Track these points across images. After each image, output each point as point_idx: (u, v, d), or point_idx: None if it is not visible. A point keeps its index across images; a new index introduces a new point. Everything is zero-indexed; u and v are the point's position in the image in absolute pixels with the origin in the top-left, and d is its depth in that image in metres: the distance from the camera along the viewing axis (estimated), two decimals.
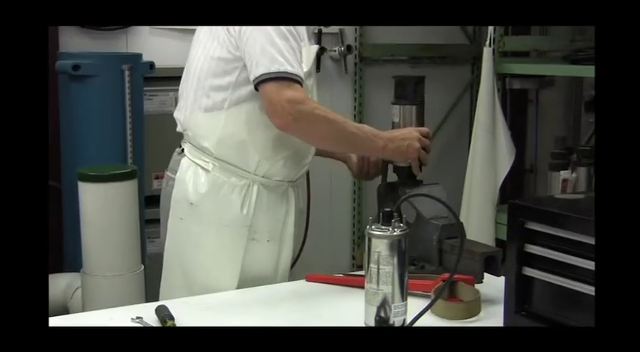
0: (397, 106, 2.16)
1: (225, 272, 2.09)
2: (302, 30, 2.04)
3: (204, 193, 2.09)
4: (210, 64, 2.07)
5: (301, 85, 1.95)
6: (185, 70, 2.20)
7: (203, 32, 2.13)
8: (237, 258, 2.10)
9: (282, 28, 1.95)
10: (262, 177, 2.11)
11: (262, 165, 2.10)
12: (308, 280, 2.09)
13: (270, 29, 1.94)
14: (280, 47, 1.93)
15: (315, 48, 2.10)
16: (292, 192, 2.21)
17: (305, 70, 2.01)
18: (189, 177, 2.11)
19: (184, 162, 2.13)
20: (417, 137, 2.09)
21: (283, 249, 2.19)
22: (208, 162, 2.10)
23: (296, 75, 1.93)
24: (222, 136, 2.08)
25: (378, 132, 2.08)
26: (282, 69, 1.91)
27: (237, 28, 1.99)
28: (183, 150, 2.16)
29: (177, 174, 2.14)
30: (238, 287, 2.08)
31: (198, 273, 2.11)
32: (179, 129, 2.20)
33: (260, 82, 1.94)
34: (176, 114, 2.20)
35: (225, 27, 2.02)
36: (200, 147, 2.11)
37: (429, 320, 1.72)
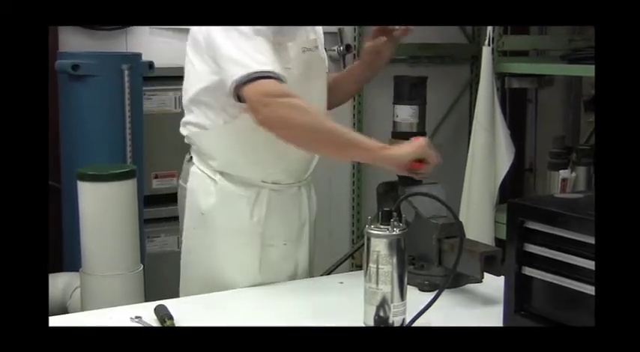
0: (399, 106, 2.15)
1: (241, 280, 2.06)
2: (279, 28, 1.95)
3: (214, 203, 2.06)
4: (200, 82, 2.02)
5: (274, 77, 1.88)
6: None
7: (189, 48, 2.06)
8: (252, 265, 2.07)
9: (244, 28, 1.89)
10: (271, 183, 2.08)
11: (268, 173, 2.07)
12: None
13: (232, 34, 1.89)
14: (244, 49, 1.88)
15: (295, 46, 2.01)
16: (305, 191, 2.17)
17: (296, 72, 1.97)
18: (199, 186, 2.09)
19: (193, 171, 2.11)
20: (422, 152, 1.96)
21: (300, 249, 2.17)
22: (215, 172, 2.07)
23: (265, 71, 1.87)
24: (223, 151, 2.05)
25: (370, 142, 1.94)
26: (250, 71, 1.87)
27: (208, 42, 1.95)
28: (192, 158, 2.13)
29: (188, 183, 2.11)
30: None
31: (215, 282, 2.05)
32: (187, 140, 2.15)
33: (237, 90, 1.90)
34: (181, 130, 2.15)
35: (204, 45, 1.97)
36: (205, 159, 2.09)
37: (427, 319, 1.72)
